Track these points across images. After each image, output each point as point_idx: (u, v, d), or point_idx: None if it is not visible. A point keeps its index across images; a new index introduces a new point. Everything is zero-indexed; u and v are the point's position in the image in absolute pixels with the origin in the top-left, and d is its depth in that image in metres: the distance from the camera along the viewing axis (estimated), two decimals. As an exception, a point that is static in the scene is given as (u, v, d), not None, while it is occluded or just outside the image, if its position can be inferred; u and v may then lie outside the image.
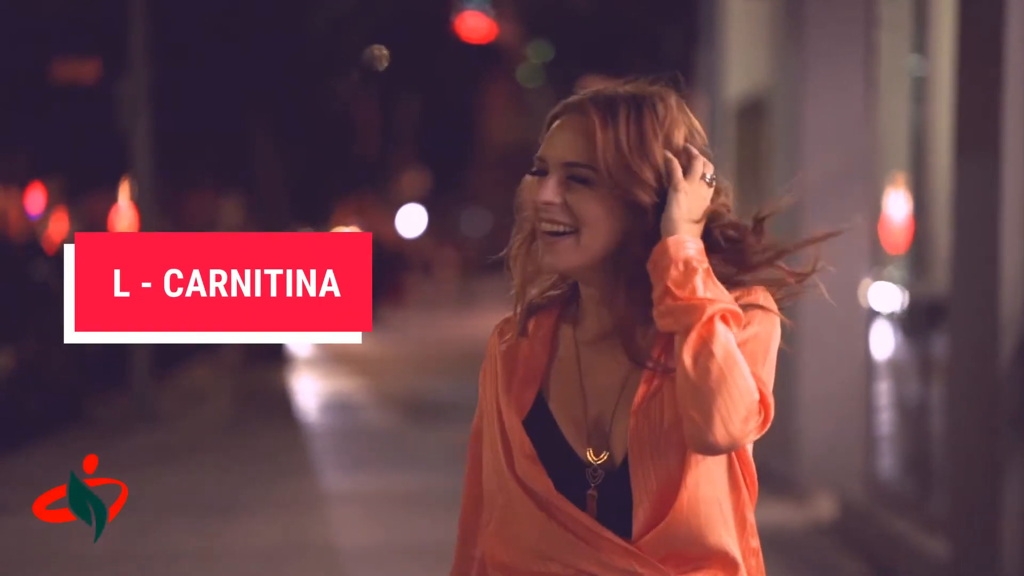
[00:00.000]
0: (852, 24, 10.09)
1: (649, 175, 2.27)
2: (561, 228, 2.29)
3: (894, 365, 9.05)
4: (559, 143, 2.31)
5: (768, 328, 2.33)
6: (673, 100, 2.34)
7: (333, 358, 22.82)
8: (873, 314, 9.31)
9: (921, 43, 8.75)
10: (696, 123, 2.37)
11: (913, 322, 8.76)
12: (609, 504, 2.31)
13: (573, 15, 21.43)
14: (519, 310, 2.43)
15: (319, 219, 36.64)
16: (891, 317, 9.08)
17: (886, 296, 9.16)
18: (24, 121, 21.25)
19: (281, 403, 16.50)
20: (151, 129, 15.23)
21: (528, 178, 2.36)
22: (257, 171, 23.48)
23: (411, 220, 45.33)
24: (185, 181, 27.22)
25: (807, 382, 9.93)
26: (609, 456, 2.32)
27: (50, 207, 26.03)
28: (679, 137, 2.32)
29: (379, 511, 9.91)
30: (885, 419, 9.16)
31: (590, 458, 2.31)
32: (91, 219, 27.04)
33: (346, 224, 40.08)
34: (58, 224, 25.18)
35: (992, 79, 6.65)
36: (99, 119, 16.70)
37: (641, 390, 2.31)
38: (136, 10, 15.08)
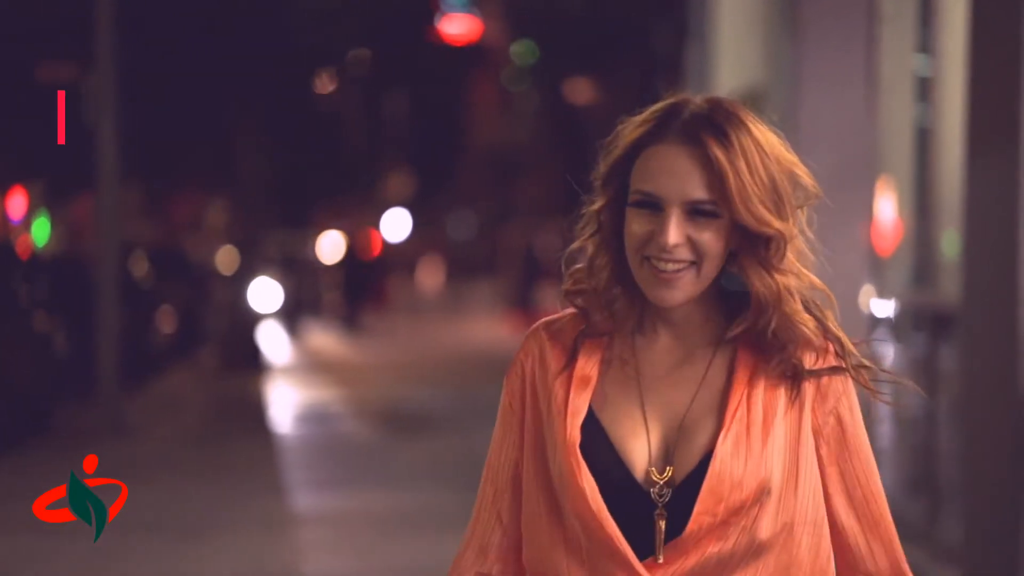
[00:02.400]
0: (852, 18, 9.83)
1: (771, 205, 2.26)
2: (682, 266, 2.27)
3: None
4: (676, 179, 2.26)
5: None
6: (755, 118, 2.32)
7: (313, 366, 22.65)
8: (875, 321, 8.96)
9: (926, 41, 8.43)
10: None
11: (915, 330, 8.42)
12: (671, 524, 2.26)
13: (560, 13, 21.15)
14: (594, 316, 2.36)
15: (302, 222, 36.29)
16: (887, 324, 8.73)
17: (886, 303, 8.91)
18: (5, 124, 21.04)
19: (256, 414, 16.31)
20: (118, 126, 14.95)
21: (631, 209, 2.29)
22: (240, 172, 23.25)
23: (396, 223, 45.13)
24: (172, 182, 27.14)
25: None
26: (672, 473, 2.28)
27: (31, 211, 25.79)
28: (785, 153, 2.29)
29: (352, 534, 9.64)
30: (885, 433, 8.81)
31: (654, 476, 2.28)
32: (74, 224, 26.80)
33: (329, 227, 39.77)
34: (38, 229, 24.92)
35: (1009, 73, 6.34)
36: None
37: (732, 410, 2.28)
38: (102, 4, 14.75)
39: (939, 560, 7.42)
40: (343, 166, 33.53)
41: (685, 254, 2.25)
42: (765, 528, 2.25)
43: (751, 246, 2.27)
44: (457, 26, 30.25)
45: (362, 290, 33.24)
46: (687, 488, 2.26)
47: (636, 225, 2.27)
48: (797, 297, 2.28)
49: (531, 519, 2.34)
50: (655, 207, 2.26)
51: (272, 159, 24.21)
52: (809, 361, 2.29)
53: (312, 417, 16.16)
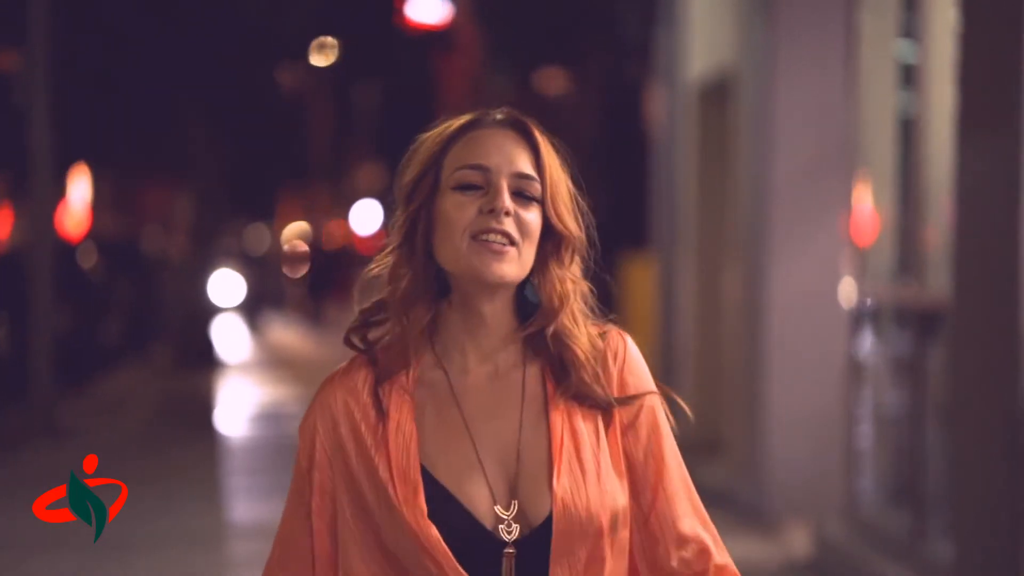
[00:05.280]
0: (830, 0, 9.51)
1: (570, 207, 2.38)
2: (508, 241, 2.33)
3: (875, 374, 8.31)
4: (503, 152, 2.35)
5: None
6: None
7: (271, 362, 22.46)
8: (855, 317, 8.54)
9: (910, 25, 8.09)
10: None
11: (899, 327, 8.20)
12: (526, 561, 2.28)
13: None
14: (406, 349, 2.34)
15: (267, 213, 35.89)
16: (869, 319, 8.39)
17: (867, 297, 8.67)
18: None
19: (203, 415, 16.08)
20: (50, 108, 14.49)
21: (452, 194, 2.34)
22: (195, 162, 22.88)
23: (366, 215, 44.98)
24: (135, 174, 27.15)
25: (776, 395, 9.58)
26: (518, 509, 2.29)
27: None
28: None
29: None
30: (867, 437, 8.39)
31: (500, 513, 2.29)
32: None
33: (295, 219, 39.44)
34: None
35: (1008, 53, 6.05)
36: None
37: (557, 441, 2.32)
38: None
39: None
40: (305, 154, 33.27)
41: (512, 228, 2.30)
42: (613, 556, 2.28)
43: (551, 245, 2.34)
44: (421, 10, 29.87)
45: (327, 283, 32.91)
46: (545, 529, 2.26)
47: (459, 210, 2.30)
48: (579, 313, 2.33)
49: None
50: (478, 188, 2.31)
51: (224, 149, 23.89)
52: (606, 373, 2.32)
53: (264, 418, 15.93)
